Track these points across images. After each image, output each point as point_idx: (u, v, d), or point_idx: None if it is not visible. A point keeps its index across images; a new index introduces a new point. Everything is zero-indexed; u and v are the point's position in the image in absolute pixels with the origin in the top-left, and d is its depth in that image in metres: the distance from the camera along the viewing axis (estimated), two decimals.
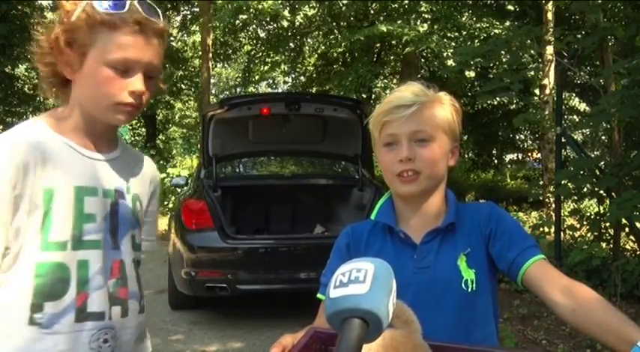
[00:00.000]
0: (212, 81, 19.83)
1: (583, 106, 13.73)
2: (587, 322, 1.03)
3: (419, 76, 12.20)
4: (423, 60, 14.03)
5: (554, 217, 6.08)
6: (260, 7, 12.12)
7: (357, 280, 0.71)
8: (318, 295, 1.25)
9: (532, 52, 5.94)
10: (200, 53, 15.35)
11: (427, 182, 1.20)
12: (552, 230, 6.03)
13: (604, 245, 5.40)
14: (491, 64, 6.38)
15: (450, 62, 10.48)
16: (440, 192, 1.25)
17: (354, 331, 0.68)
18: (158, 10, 1.20)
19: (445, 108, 1.23)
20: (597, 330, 1.01)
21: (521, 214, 10.47)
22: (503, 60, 5.53)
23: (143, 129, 18.32)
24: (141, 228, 1.30)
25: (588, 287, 1.09)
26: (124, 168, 1.27)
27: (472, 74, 11.69)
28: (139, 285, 1.27)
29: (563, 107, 6.69)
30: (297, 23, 13.79)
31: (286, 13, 12.81)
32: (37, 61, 1.19)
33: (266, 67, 16.82)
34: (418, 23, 11.11)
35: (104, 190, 1.20)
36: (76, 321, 1.13)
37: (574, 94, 13.85)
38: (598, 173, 5.20)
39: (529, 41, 5.35)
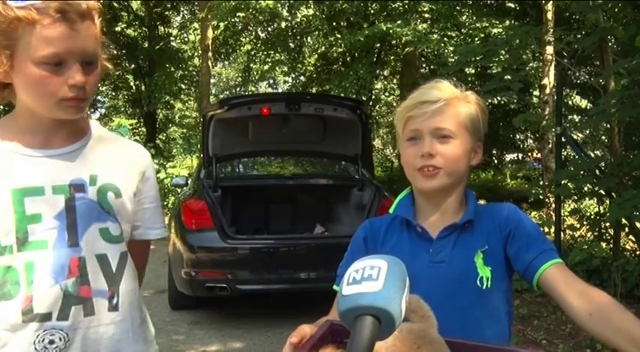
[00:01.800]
0: (212, 81, 19.85)
1: (585, 103, 13.70)
2: (604, 326, 1.02)
3: (419, 75, 12.21)
4: (423, 58, 14.03)
5: (554, 217, 6.07)
6: (258, 6, 12.11)
7: (371, 277, 0.71)
8: (334, 287, 1.26)
9: (532, 47, 5.92)
10: (200, 53, 15.36)
11: (447, 179, 1.20)
12: (552, 230, 6.03)
13: (604, 245, 5.40)
14: (491, 64, 6.37)
15: (450, 60, 10.47)
16: (460, 190, 1.26)
17: (366, 329, 0.68)
18: None
19: (470, 107, 1.23)
20: (613, 335, 1.00)
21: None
22: (502, 59, 5.51)
23: (143, 129, 18.30)
24: (116, 219, 1.21)
25: (605, 293, 1.08)
26: (90, 158, 1.20)
27: (472, 71, 11.68)
28: (113, 281, 1.20)
29: (564, 107, 6.69)
30: (296, 23, 13.78)
31: (285, 12, 12.79)
32: None
33: (266, 67, 16.81)
34: (418, 23, 11.09)
35: (54, 187, 1.14)
36: (23, 322, 1.11)
37: (576, 91, 13.83)
38: (598, 173, 5.20)
39: (530, 39, 5.35)
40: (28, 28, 1.04)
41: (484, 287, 1.17)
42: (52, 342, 1.13)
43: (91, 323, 1.16)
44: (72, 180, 1.17)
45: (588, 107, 12.63)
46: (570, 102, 14.05)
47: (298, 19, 13.28)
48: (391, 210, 1.30)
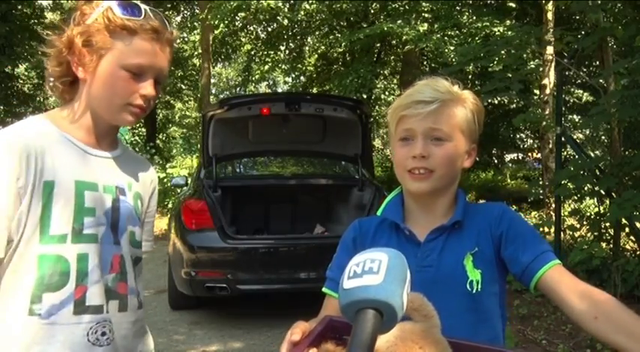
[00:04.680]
0: (212, 81, 19.84)
1: (586, 96, 13.65)
2: (612, 330, 0.99)
3: (420, 73, 12.20)
4: (424, 57, 14.03)
5: (554, 217, 6.07)
6: (260, 5, 12.11)
7: (371, 271, 0.70)
8: (324, 289, 1.24)
9: (532, 47, 5.93)
10: (200, 53, 15.36)
11: (438, 181, 1.17)
12: (552, 230, 6.03)
13: (604, 245, 5.40)
14: (491, 64, 6.38)
15: (451, 60, 10.47)
16: (450, 192, 1.22)
17: (368, 322, 0.67)
18: (166, 20, 1.26)
19: (467, 108, 1.19)
20: (623, 340, 0.97)
21: (521, 214, 10.44)
22: (503, 56, 5.51)
23: (143, 129, 18.30)
24: (141, 226, 1.32)
25: (607, 294, 1.05)
26: (125, 167, 1.30)
27: (472, 69, 11.69)
28: (137, 281, 1.29)
29: (565, 105, 6.68)
30: (298, 21, 13.78)
31: (286, 9, 12.78)
32: (49, 60, 1.23)
33: (266, 67, 16.82)
34: (418, 23, 11.10)
35: (105, 186, 1.23)
36: (75, 313, 1.15)
37: (576, 87, 13.80)
38: (598, 173, 5.20)
39: (531, 39, 5.36)
40: (127, 37, 1.19)
41: (474, 290, 1.14)
42: (104, 334, 1.19)
43: (122, 318, 1.24)
44: (117, 183, 1.27)
45: (590, 100, 12.60)
46: (572, 100, 14.01)
47: (300, 17, 13.28)
48: (379, 212, 1.27)
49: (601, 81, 6.00)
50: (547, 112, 8.37)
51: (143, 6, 1.22)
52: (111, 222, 1.22)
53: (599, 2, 5.19)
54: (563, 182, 5.18)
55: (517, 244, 1.15)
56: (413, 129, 1.17)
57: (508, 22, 10.23)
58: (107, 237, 1.21)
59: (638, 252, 5.41)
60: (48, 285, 1.13)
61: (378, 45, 13.69)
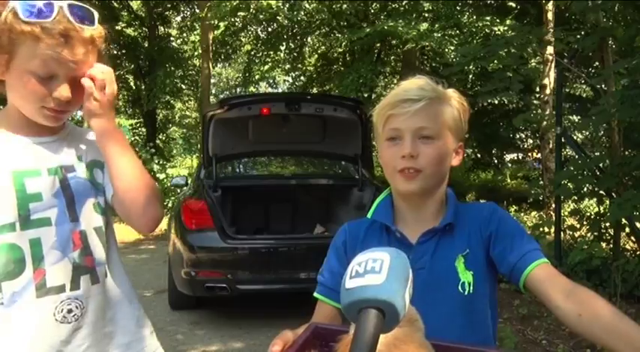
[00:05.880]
0: (212, 81, 19.83)
1: (587, 91, 13.62)
2: (595, 328, 0.99)
3: (419, 72, 12.16)
4: (424, 56, 14.03)
5: (554, 217, 6.07)
6: (259, 5, 12.10)
7: (373, 270, 0.70)
8: (315, 294, 1.23)
9: (533, 45, 5.93)
10: (200, 53, 15.36)
11: (428, 181, 1.17)
12: (552, 230, 6.03)
13: (604, 245, 5.40)
14: (491, 64, 6.37)
15: (451, 59, 10.47)
16: (440, 191, 1.22)
17: (370, 321, 0.67)
18: (94, 13, 1.17)
19: (453, 106, 1.19)
20: (605, 336, 0.97)
21: (521, 214, 10.47)
22: (503, 56, 5.51)
23: (143, 129, 18.30)
24: (104, 193, 1.31)
25: (593, 292, 1.05)
26: (71, 143, 1.30)
27: (472, 69, 11.69)
28: (107, 250, 1.29)
29: (564, 104, 6.68)
30: (298, 20, 13.76)
31: (286, 9, 12.78)
32: None
33: (266, 67, 16.81)
34: (419, 22, 11.10)
35: (49, 169, 1.23)
36: (38, 297, 1.17)
37: (578, 83, 13.76)
38: (598, 173, 5.20)
39: (531, 38, 5.36)
40: (30, 43, 1.11)
41: (466, 292, 1.14)
42: (70, 311, 1.21)
43: (97, 290, 1.26)
44: (61, 163, 1.26)
45: (590, 97, 12.57)
46: (574, 94, 13.93)
47: (300, 17, 13.27)
48: (369, 215, 1.26)
49: (603, 85, 5.99)
50: (547, 112, 8.37)
51: (58, 3, 1.12)
52: (65, 201, 1.23)
53: (599, 2, 5.19)
54: (563, 182, 5.18)
55: (505, 244, 1.15)
56: (400, 129, 1.16)
57: (508, 22, 10.24)
58: (62, 216, 1.21)
59: (638, 252, 5.41)
60: (5, 274, 1.15)
61: (378, 45, 13.69)
